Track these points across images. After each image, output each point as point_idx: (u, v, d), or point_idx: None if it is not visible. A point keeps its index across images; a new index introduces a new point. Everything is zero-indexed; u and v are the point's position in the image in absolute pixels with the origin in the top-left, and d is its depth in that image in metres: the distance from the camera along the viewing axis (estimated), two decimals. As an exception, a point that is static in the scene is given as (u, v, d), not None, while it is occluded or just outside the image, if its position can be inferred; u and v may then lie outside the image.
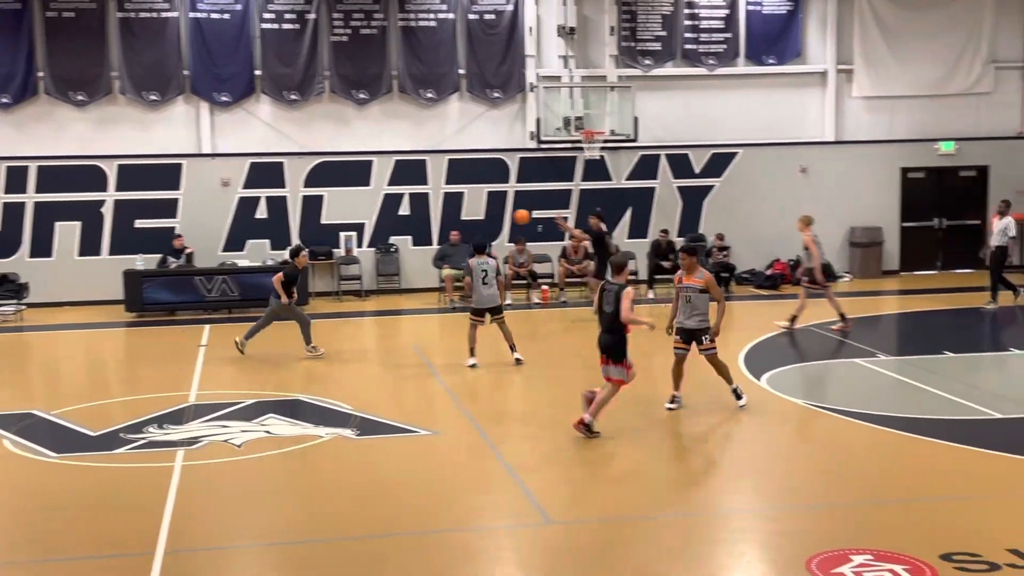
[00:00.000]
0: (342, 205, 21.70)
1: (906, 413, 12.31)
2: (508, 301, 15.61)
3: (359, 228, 21.84)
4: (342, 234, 21.74)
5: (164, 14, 20.88)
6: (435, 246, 21.68)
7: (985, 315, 18.53)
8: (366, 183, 21.80)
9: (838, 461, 10.84)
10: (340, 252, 21.65)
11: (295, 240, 21.36)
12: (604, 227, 18.60)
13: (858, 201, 22.99)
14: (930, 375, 13.66)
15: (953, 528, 8.78)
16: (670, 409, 12.45)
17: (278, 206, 21.60)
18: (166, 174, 21.22)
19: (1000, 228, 19.01)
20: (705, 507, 9.58)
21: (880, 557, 8.06)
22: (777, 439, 11.78)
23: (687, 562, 8.25)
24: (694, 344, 12.33)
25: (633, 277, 21.29)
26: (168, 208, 21.27)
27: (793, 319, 16.85)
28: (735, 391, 12.41)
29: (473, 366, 14.98)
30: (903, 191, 23.39)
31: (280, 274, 15.90)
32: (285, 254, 21.03)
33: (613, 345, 11.52)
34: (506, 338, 15.19)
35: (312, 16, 21.23)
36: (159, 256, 20.65)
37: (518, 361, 15.11)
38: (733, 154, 22.75)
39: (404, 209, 21.92)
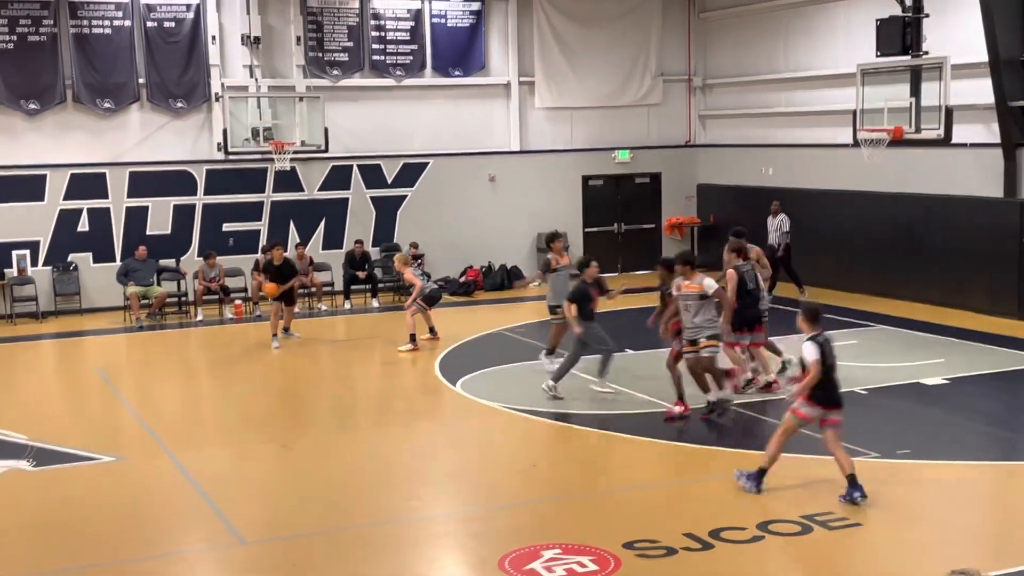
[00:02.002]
0: (13, 222, 20.28)
1: (591, 410, 12.91)
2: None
3: (33, 246, 20.50)
4: (14, 252, 20.31)
5: None
6: (119, 262, 20.67)
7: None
8: (40, 198, 20.51)
9: (529, 460, 11.21)
10: (12, 272, 20.24)
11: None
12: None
13: (544, 208, 23.85)
14: (614, 372, 14.33)
15: (634, 517, 9.28)
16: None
17: (-61, 224, 19.98)
18: None
19: (775, 226, 20.37)
20: (399, 515, 9.63)
21: (568, 550, 8.41)
22: (471, 442, 12.05)
23: (383, 571, 8.28)
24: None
25: (329, 288, 21.27)
26: None
27: (413, 338, 16.62)
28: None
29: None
30: (585, 198, 24.50)
31: (567, 302, 13.24)
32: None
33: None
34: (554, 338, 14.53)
35: (-28, 21, 19.78)
36: None
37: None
38: (424, 164, 23.06)
39: (83, 225, 20.77)
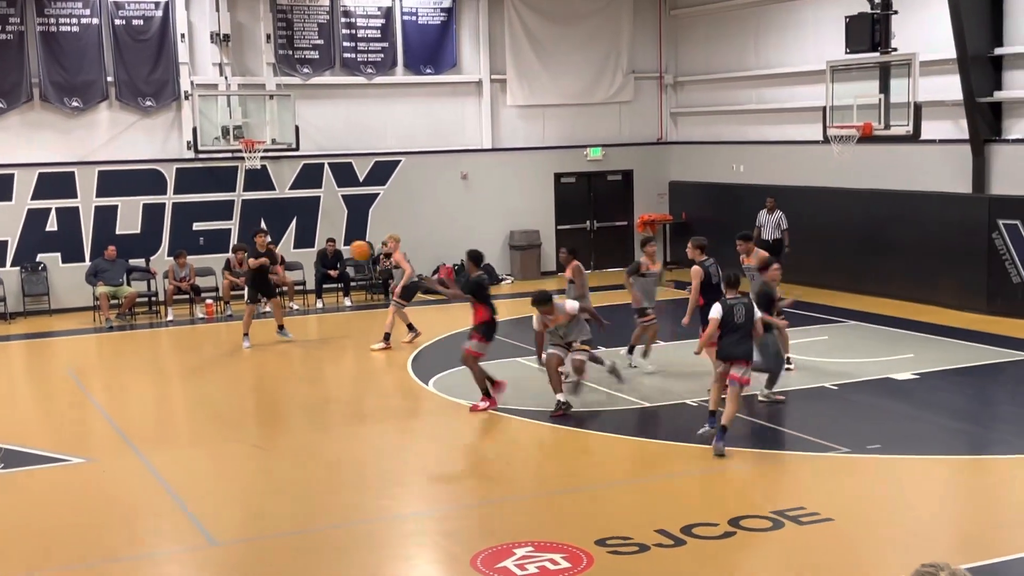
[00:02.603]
0: (-20, 222, 20.16)
1: (564, 407, 12.88)
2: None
3: (1, 247, 20.32)
4: (-19, 253, 20.19)
5: None
6: (88, 262, 20.49)
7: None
8: (7, 198, 20.31)
9: (501, 458, 11.20)
10: (-20, 273, 20.08)
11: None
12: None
13: (516, 206, 23.86)
14: (594, 370, 14.30)
15: (606, 514, 9.28)
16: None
17: (-95, 225, 19.74)
18: None
19: (773, 222, 20.41)
20: (371, 514, 9.60)
21: (540, 548, 8.40)
22: (443, 440, 12.01)
23: (356, 571, 8.25)
24: None
25: (301, 287, 21.18)
26: None
27: (387, 337, 16.57)
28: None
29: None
30: (557, 195, 24.51)
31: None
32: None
33: None
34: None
35: (-62, 19, 19.57)
36: None
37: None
38: (396, 162, 23.00)
39: (52, 225, 20.59)
